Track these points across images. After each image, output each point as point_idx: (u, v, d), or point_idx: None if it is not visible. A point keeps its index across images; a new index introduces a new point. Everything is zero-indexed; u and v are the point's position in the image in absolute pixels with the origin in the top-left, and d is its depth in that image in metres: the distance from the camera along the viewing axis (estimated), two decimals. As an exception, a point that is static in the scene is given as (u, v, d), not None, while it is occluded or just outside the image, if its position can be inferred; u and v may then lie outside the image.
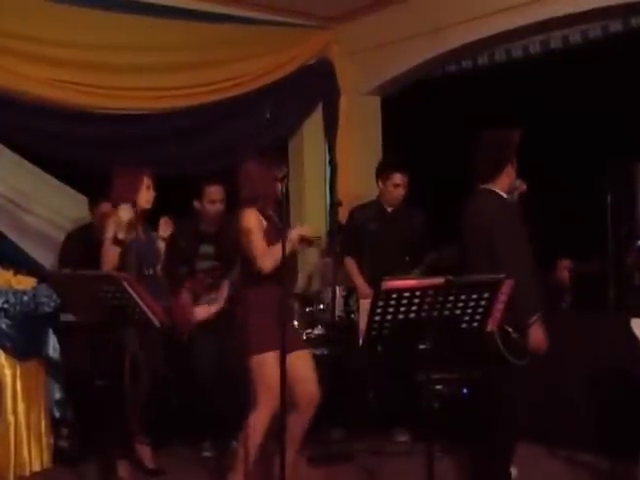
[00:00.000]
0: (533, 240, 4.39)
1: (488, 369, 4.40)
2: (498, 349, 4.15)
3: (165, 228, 5.21)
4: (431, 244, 6.02)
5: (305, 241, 4.40)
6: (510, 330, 4.16)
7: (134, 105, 6.51)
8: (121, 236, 4.81)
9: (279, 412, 4.03)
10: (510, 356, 4.17)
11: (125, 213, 4.87)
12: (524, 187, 4.61)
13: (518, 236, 4.28)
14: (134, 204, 4.96)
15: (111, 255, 4.83)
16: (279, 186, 4.29)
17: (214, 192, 5.74)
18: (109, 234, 4.85)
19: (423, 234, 6.04)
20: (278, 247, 4.10)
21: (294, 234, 4.29)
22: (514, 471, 4.51)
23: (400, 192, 6.00)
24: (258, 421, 4.29)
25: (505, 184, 4.45)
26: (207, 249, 5.80)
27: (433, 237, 6.02)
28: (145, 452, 5.11)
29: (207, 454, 5.60)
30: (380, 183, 6.03)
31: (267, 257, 4.22)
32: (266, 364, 4.23)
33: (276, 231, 4.30)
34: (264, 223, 4.34)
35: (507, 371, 4.21)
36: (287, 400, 4.13)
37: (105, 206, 5.42)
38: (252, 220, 4.30)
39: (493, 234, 4.25)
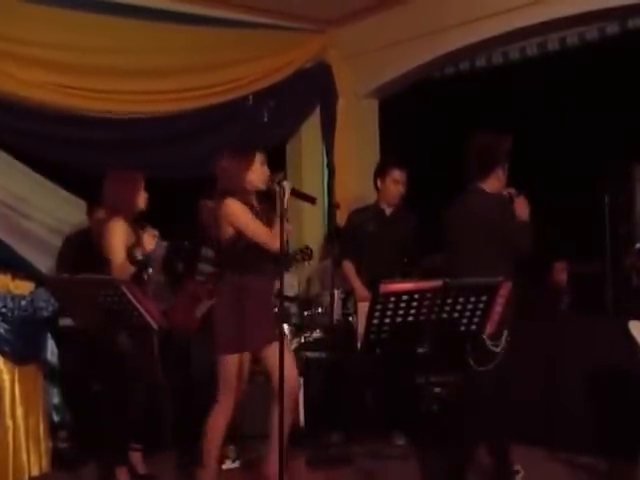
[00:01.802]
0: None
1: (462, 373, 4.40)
2: (464, 353, 4.17)
3: (149, 241, 4.93)
4: (426, 247, 6.02)
5: (296, 194, 4.33)
6: (485, 338, 4.15)
7: (131, 108, 6.51)
8: (139, 256, 4.76)
9: (278, 414, 4.01)
10: (472, 361, 4.18)
11: (151, 242, 4.82)
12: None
13: (503, 236, 4.31)
14: (135, 208, 4.95)
15: (129, 270, 4.72)
16: (260, 179, 4.31)
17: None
18: (121, 255, 4.73)
19: (417, 237, 6.05)
20: (277, 227, 4.13)
21: (285, 186, 4.20)
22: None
23: (399, 189, 5.99)
24: (217, 419, 4.38)
25: (494, 187, 4.48)
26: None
27: (429, 240, 6.02)
28: (136, 458, 5.08)
29: None
30: (379, 182, 6.02)
31: (274, 236, 4.17)
32: (228, 362, 4.31)
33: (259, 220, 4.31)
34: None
35: (472, 376, 4.22)
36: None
37: (102, 211, 5.41)
38: (236, 206, 4.28)
39: (481, 230, 4.27)
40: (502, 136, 4.51)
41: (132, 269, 4.71)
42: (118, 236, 4.78)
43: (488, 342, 4.17)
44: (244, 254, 4.30)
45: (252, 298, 4.28)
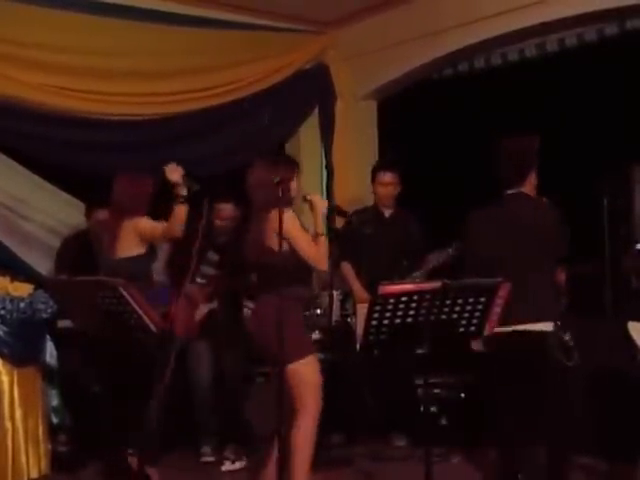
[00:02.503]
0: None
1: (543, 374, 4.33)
2: (552, 352, 4.13)
3: (172, 172, 4.89)
4: (426, 248, 6.02)
5: (338, 212, 4.55)
6: (562, 334, 4.14)
7: (131, 111, 6.51)
8: (184, 192, 4.83)
9: (279, 416, 4.00)
10: (563, 358, 4.15)
11: (175, 174, 4.86)
12: None
13: (552, 239, 4.31)
14: (145, 211, 4.98)
15: (182, 213, 4.84)
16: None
17: (224, 209, 5.78)
18: (159, 225, 4.91)
19: (417, 238, 6.05)
20: (322, 242, 4.12)
21: (321, 203, 4.23)
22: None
23: (390, 191, 6.02)
24: (309, 426, 4.23)
25: (530, 189, 4.45)
26: (212, 256, 5.83)
27: (430, 240, 6.02)
28: (131, 459, 5.03)
29: (207, 459, 5.61)
30: (373, 185, 6.08)
31: (323, 257, 4.15)
32: (311, 363, 4.23)
33: None
34: None
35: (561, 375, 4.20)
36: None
37: (102, 213, 5.41)
38: (295, 221, 4.11)
39: (537, 236, 4.26)
40: (531, 137, 4.49)
41: (184, 213, 4.80)
42: (145, 220, 4.93)
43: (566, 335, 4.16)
44: (298, 265, 4.17)
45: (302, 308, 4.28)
